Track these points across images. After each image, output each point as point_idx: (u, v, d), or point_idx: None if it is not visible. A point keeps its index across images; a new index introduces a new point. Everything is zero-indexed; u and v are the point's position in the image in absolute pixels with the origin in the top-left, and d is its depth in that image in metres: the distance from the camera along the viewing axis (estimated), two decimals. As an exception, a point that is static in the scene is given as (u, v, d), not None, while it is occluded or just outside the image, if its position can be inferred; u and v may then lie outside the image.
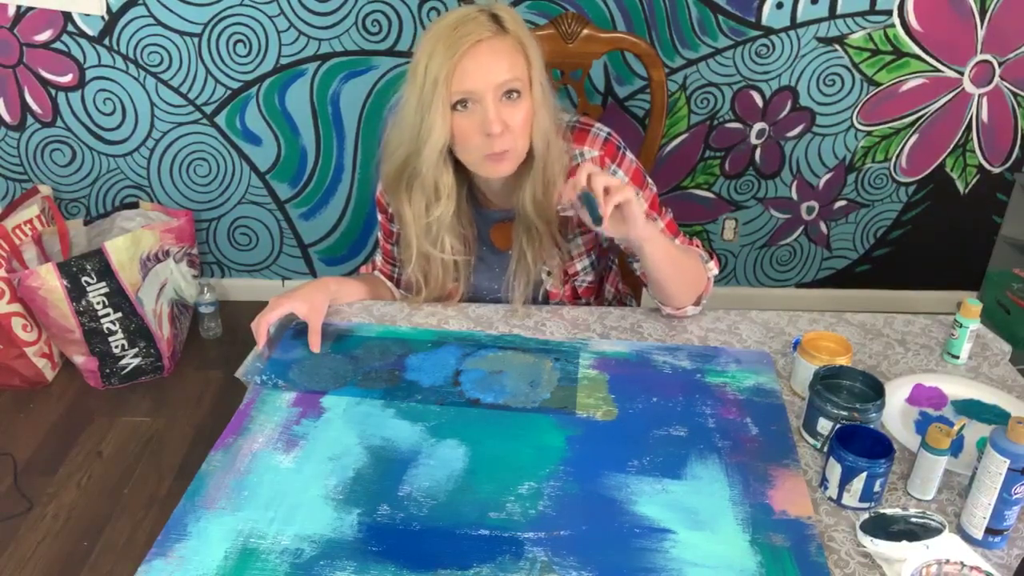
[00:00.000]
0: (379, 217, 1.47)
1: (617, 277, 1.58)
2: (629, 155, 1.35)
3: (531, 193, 1.28)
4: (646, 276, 1.31)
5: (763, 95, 2.45)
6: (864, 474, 0.97)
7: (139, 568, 0.93)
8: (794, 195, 2.62)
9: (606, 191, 1.13)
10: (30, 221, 2.42)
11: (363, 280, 1.50)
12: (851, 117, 2.48)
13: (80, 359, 2.38)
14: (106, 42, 2.40)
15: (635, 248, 1.24)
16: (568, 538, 0.97)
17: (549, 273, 1.40)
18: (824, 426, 1.07)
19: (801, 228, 2.68)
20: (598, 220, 1.14)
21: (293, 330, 1.34)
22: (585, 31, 1.63)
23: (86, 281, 2.27)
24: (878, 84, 2.43)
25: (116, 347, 2.37)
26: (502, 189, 1.34)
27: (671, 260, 1.26)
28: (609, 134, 1.34)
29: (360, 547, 0.96)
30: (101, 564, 1.88)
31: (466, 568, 0.93)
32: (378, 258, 1.53)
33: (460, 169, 1.30)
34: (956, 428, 1.01)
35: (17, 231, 2.38)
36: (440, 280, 1.38)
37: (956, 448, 1.09)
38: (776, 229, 2.68)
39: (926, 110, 2.47)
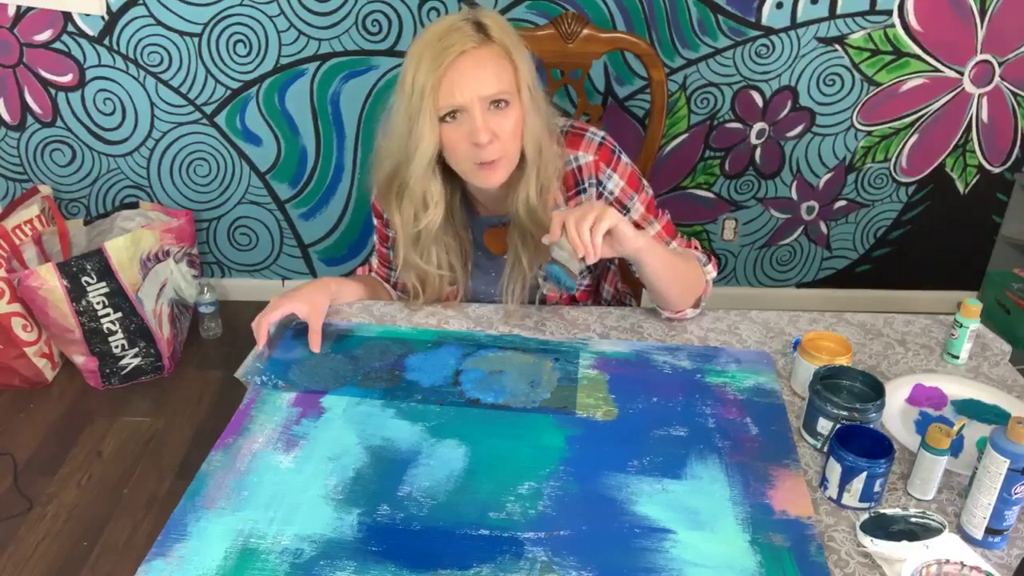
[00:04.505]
0: (375, 222, 1.47)
1: (616, 277, 1.58)
2: (624, 159, 1.34)
3: (525, 198, 1.28)
4: (644, 282, 1.31)
5: (763, 95, 2.45)
6: (864, 474, 0.97)
7: (139, 568, 0.93)
8: (794, 195, 2.62)
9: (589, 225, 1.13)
10: (30, 221, 2.42)
11: (362, 281, 1.51)
12: (851, 117, 2.48)
13: (80, 359, 2.38)
14: (106, 42, 2.40)
15: (631, 260, 1.24)
16: (568, 538, 0.97)
17: (546, 277, 1.40)
18: (824, 426, 1.07)
19: (801, 228, 2.68)
20: (572, 289, 1.19)
21: (293, 330, 1.34)
22: (585, 31, 1.63)
23: (86, 281, 2.27)
24: (878, 84, 2.43)
25: (116, 347, 2.37)
26: (495, 195, 1.33)
27: (669, 267, 1.26)
28: (604, 138, 1.34)
29: (360, 547, 0.96)
30: (101, 564, 1.88)
31: (466, 568, 0.93)
32: (374, 261, 1.54)
33: (453, 176, 1.30)
34: (956, 428, 1.01)
35: (17, 231, 2.38)
36: (437, 286, 1.38)
37: (956, 448, 1.09)
38: (776, 229, 2.68)
39: (926, 110, 2.47)
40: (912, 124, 2.49)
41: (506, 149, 1.22)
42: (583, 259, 1.15)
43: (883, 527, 0.96)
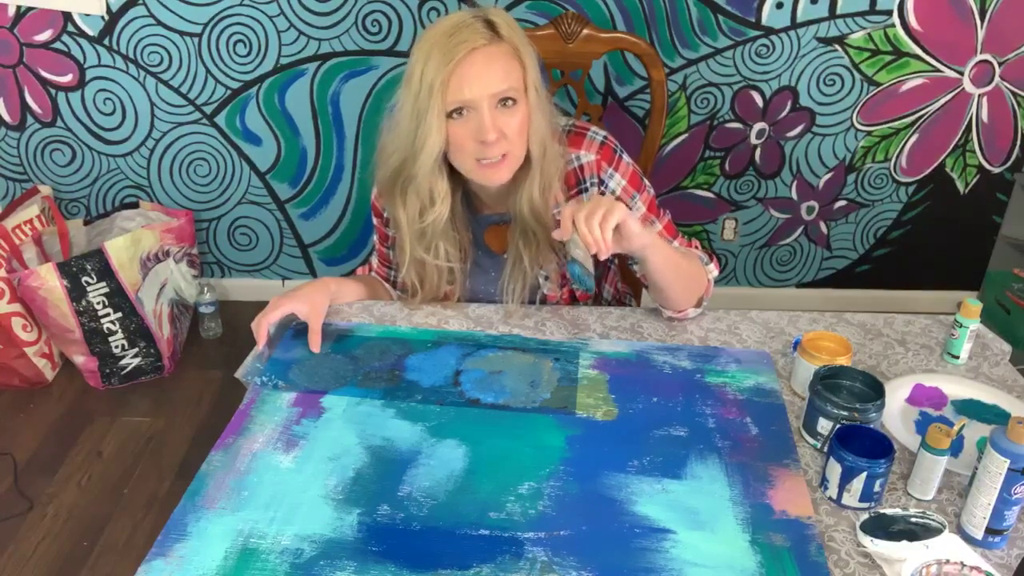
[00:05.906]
0: (374, 221, 1.47)
1: (616, 277, 1.58)
2: (626, 158, 1.35)
3: (528, 197, 1.28)
4: (647, 280, 1.31)
5: (763, 95, 2.45)
6: (864, 474, 0.97)
7: (139, 568, 0.93)
8: (794, 195, 2.62)
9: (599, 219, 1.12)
10: (30, 221, 2.42)
11: (362, 280, 1.51)
12: (851, 117, 2.48)
13: (80, 359, 2.38)
14: (106, 42, 2.40)
15: (637, 256, 1.24)
16: (568, 538, 0.97)
17: (547, 277, 1.40)
18: (824, 426, 1.07)
19: (801, 228, 2.68)
20: (591, 288, 1.20)
21: (293, 330, 1.34)
22: (585, 31, 1.63)
23: (86, 281, 2.27)
24: (878, 84, 2.43)
25: (116, 347, 2.37)
26: (497, 193, 1.33)
27: (672, 264, 1.26)
28: (605, 137, 1.34)
29: (360, 547, 0.96)
30: (101, 564, 1.88)
31: (466, 568, 0.93)
32: (374, 260, 1.54)
33: (454, 173, 1.30)
34: (956, 428, 1.01)
35: (17, 231, 2.38)
36: (435, 283, 1.38)
37: (956, 448, 1.09)
38: (776, 229, 2.68)
39: (926, 110, 2.47)
40: (912, 124, 2.49)
41: (512, 148, 1.22)
42: (595, 255, 1.15)
43: (883, 527, 0.96)
